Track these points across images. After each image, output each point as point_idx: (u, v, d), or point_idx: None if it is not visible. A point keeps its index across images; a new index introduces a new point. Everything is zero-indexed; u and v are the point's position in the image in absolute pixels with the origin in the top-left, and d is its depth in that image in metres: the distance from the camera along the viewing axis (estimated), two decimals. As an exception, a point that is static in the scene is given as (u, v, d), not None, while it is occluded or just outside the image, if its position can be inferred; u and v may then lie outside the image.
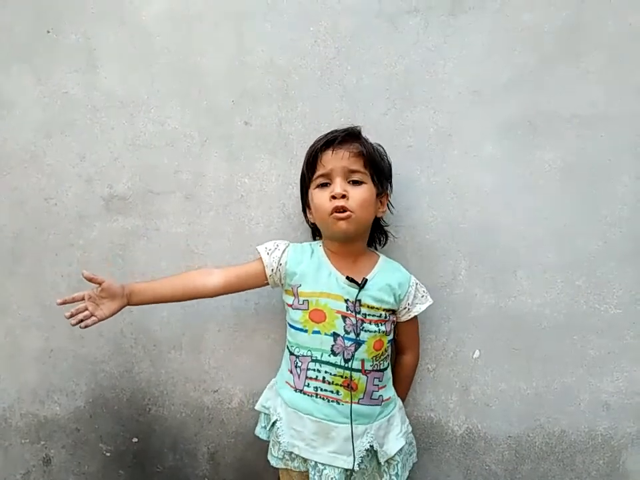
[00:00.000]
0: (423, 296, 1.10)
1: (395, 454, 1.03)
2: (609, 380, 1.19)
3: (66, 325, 1.25)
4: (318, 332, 1.02)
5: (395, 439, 1.04)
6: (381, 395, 1.04)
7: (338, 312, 1.01)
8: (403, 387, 1.17)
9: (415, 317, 1.10)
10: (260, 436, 1.12)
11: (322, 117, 1.19)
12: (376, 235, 1.15)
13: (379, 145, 1.10)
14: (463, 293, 1.20)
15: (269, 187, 1.22)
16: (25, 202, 1.26)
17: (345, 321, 1.01)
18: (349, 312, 1.01)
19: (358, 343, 1.01)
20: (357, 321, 1.01)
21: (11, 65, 1.23)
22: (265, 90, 1.20)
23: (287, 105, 1.19)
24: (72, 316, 0.98)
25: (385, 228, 1.16)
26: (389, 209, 1.12)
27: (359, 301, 1.02)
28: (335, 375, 1.00)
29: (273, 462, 1.07)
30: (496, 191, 1.18)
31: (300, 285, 1.05)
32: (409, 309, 1.08)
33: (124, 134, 1.23)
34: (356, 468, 0.99)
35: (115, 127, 1.23)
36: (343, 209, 0.98)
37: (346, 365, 1.00)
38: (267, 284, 1.09)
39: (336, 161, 1.00)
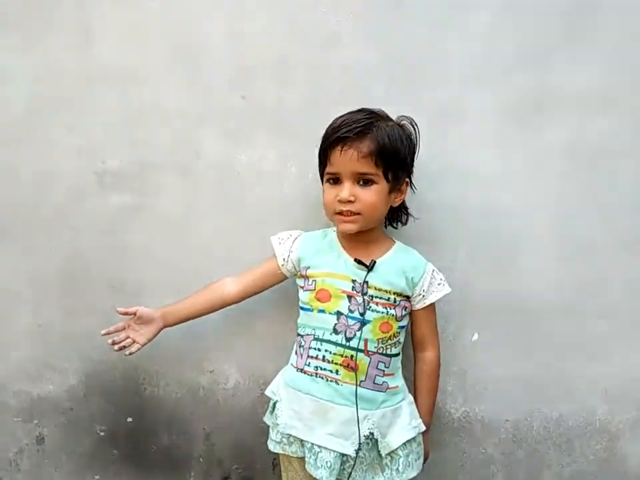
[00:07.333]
0: (440, 284, 1.06)
1: (398, 448, 0.99)
2: (608, 365, 1.17)
3: (57, 300, 1.25)
4: (322, 311, 1.01)
5: (400, 432, 1.00)
6: (386, 382, 1.01)
7: (343, 292, 1.00)
8: (427, 391, 1.10)
9: (432, 305, 1.07)
10: (267, 422, 1.09)
11: (321, 92, 1.15)
12: (396, 215, 1.11)
13: (403, 121, 1.03)
14: (462, 277, 1.17)
15: (266, 164, 1.19)
16: (16, 177, 1.22)
17: (350, 301, 1.00)
18: (355, 292, 1.00)
19: (362, 322, 0.99)
20: (363, 300, 0.99)
21: (1, 38, 1.19)
22: (262, 64, 1.16)
23: (286, 80, 1.16)
24: (114, 343, 1.04)
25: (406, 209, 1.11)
26: (411, 188, 1.07)
27: (367, 282, 1.00)
28: (334, 353, 0.99)
29: (271, 446, 1.05)
30: (498, 173, 1.15)
31: (309, 267, 1.04)
32: (424, 296, 1.04)
33: (118, 109, 1.19)
34: (352, 454, 0.96)
35: (109, 102, 1.19)
36: (349, 213, 0.96)
37: (347, 344, 0.98)
38: (286, 277, 1.09)
39: (344, 163, 0.94)
